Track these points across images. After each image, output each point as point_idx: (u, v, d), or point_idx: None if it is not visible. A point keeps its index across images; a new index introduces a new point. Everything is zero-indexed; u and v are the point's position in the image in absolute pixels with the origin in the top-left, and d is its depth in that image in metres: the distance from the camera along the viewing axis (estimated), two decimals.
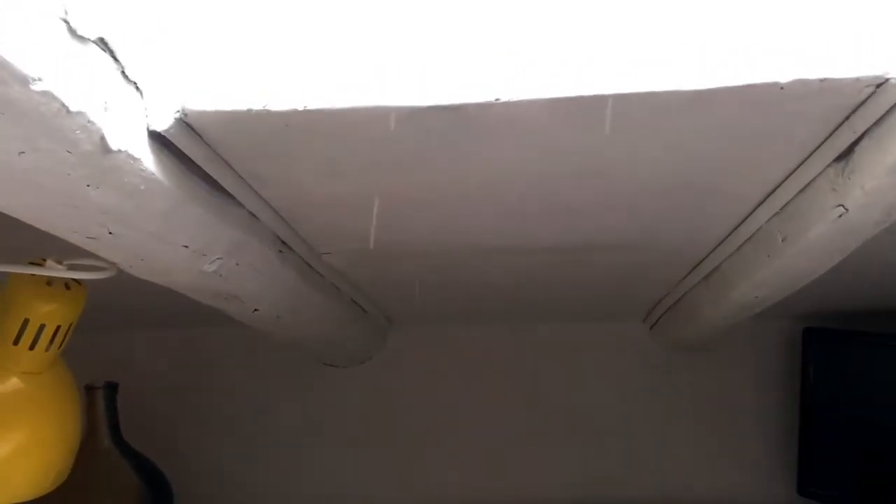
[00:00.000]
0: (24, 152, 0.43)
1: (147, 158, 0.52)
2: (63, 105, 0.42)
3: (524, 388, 1.43)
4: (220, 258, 0.69)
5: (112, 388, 1.17)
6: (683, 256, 0.96)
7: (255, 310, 0.87)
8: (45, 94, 0.41)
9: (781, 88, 0.51)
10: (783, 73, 0.50)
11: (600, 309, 1.36)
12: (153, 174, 0.53)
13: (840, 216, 0.64)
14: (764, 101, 0.52)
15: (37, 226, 0.54)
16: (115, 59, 0.48)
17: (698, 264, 0.97)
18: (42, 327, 0.68)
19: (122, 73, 0.49)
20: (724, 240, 0.85)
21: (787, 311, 1.15)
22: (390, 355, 1.42)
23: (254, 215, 0.71)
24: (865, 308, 1.28)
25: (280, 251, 0.81)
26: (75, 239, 0.56)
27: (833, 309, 1.30)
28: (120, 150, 0.48)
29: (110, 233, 0.55)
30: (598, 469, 1.40)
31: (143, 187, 0.53)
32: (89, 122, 0.45)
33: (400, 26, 0.52)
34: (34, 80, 0.39)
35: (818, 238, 0.69)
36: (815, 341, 1.32)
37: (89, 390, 1.13)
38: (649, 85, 0.51)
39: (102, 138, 0.46)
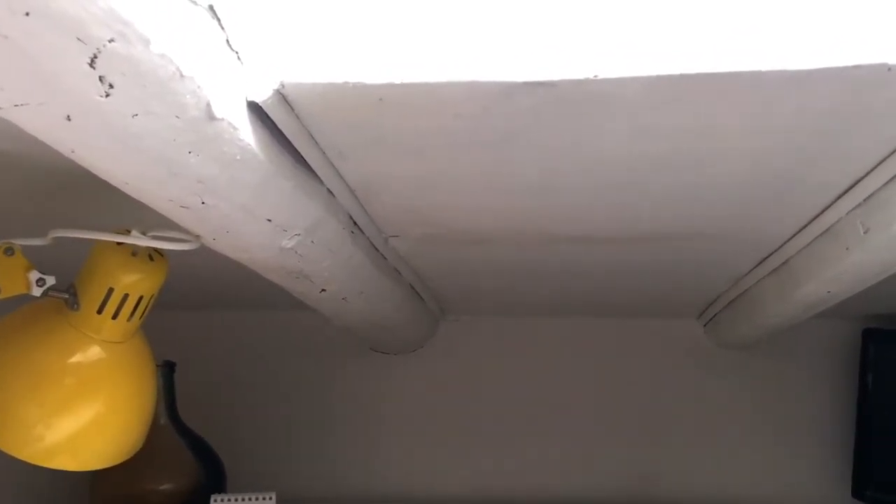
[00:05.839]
0: (137, 115, 0.44)
1: (245, 129, 0.52)
2: (178, 69, 0.43)
3: (574, 383, 1.42)
4: (299, 234, 0.69)
5: (170, 367, 1.19)
6: (752, 249, 0.94)
7: (323, 290, 0.87)
8: (163, 56, 0.41)
9: (889, 70, 0.50)
10: (893, 54, 0.49)
11: (654, 305, 1.35)
12: (249, 145, 0.53)
13: None
14: (869, 84, 0.51)
15: (132, 193, 0.55)
16: (222, 27, 0.48)
17: (767, 257, 0.95)
18: (125, 297, 0.68)
19: (227, 41, 0.49)
20: (798, 231, 0.83)
21: (846, 310, 1.13)
22: (441, 344, 1.43)
23: (331, 193, 0.72)
24: None
25: (352, 232, 0.81)
26: (168, 207, 0.57)
27: (894, 310, 1.28)
28: (223, 119, 0.49)
29: (203, 202, 0.56)
30: (648, 467, 1.39)
31: (238, 157, 0.53)
32: (198, 87, 0.45)
33: (496, 1, 0.52)
34: (154, 41, 0.40)
35: None
36: (875, 342, 1.29)
37: None
38: (752, 64, 0.50)
39: (209, 105, 0.47)
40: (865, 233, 0.72)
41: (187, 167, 0.51)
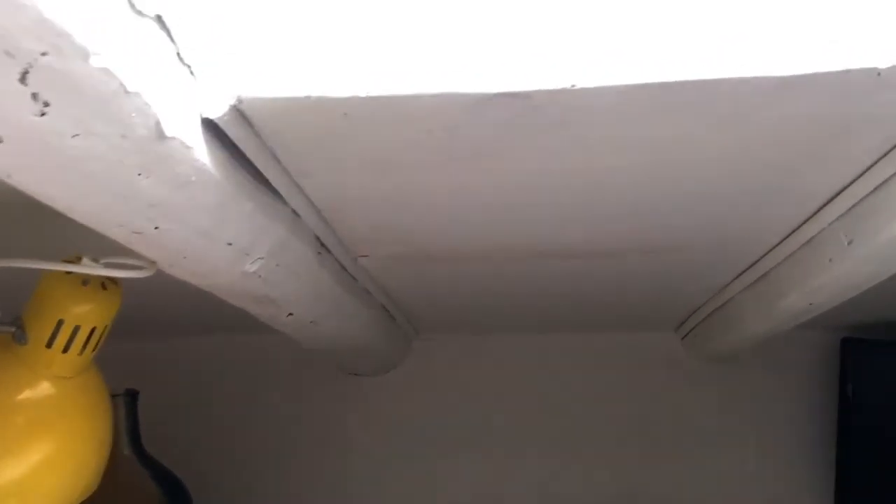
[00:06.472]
0: (77, 135, 0.40)
1: (199, 148, 0.49)
2: (121, 84, 0.39)
3: (552, 399, 1.39)
4: (262, 258, 0.66)
5: (133, 396, 1.14)
6: (731, 260, 0.92)
7: (290, 314, 0.83)
8: (105, 71, 0.37)
9: (879, 75, 0.47)
10: (882, 58, 0.47)
11: (631, 318, 1.33)
12: (205, 165, 0.50)
13: None
14: (857, 89, 0.49)
15: (78, 219, 0.51)
16: (171, 39, 0.44)
17: (746, 269, 0.93)
18: (77, 329, 0.64)
19: (178, 54, 0.45)
20: (780, 243, 0.81)
21: (825, 320, 1.11)
22: (415, 364, 1.39)
23: (296, 213, 0.68)
24: None
25: (318, 253, 0.78)
26: (118, 233, 0.53)
27: (874, 319, 1.26)
28: (174, 137, 0.45)
29: (156, 227, 0.52)
30: (628, 482, 1.36)
31: (194, 178, 0.50)
32: (146, 104, 0.42)
33: (466, 9, 0.49)
34: (94, 54, 0.36)
35: (891, 239, 0.65)
36: (854, 352, 1.28)
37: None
38: (735, 70, 0.48)
39: (158, 123, 0.43)
40: (849, 244, 0.70)
41: (137, 190, 0.47)
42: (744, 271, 0.94)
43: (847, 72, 0.47)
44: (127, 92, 0.40)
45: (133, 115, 0.41)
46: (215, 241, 0.59)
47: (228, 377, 1.39)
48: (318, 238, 0.76)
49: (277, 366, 1.37)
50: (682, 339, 1.35)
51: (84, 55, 0.36)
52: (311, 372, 1.37)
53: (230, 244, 0.60)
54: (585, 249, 0.87)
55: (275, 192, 0.63)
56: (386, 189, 0.67)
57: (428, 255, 0.88)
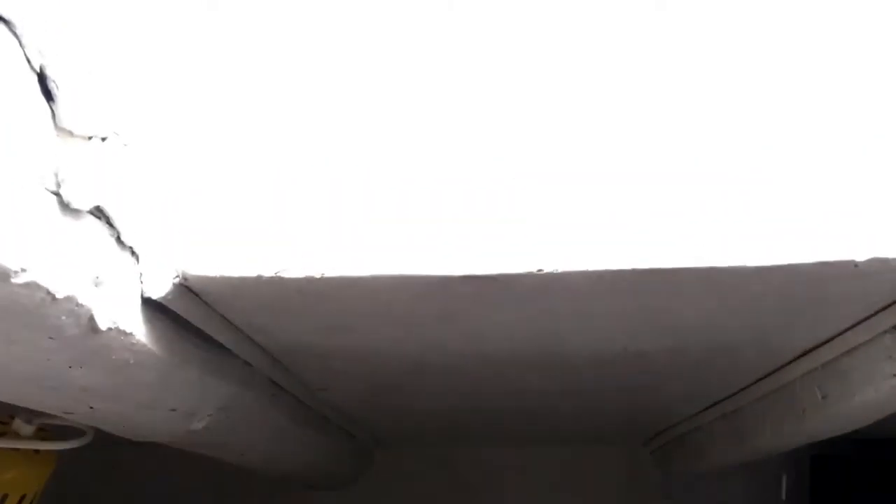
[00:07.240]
0: None
1: (139, 331, 0.45)
2: (49, 293, 0.36)
3: None
4: (211, 414, 0.62)
5: None
6: (705, 393, 0.90)
7: (243, 454, 0.79)
8: (29, 285, 0.34)
9: (856, 266, 0.46)
10: (860, 251, 0.45)
11: (600, 433, 1.29)
12: (145, 346, 0.46)
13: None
14: (834, 277, 0.47)
15: (7, 401, 0.47)
16: (111, 226, 0.41)
17: (720, 401, 0.91)
18: (5, 497, 0.59)
19: (118, 238, 0.42)
20: (752, 384, 0.79)
21: None
22: (377, 477, 1.33)
23: (248, 364, 0.64)
24: (879, 435, 1.22)
25: (273, 395, 0.73)
26: (52, 411, 0.49)
27: (844, 436, 1.24)
28: (110, 329, 0.42)
29: (91, 408, 0.48)
30: None
31: (132, 361, 0.46)
32: (77, 305, 0.38)
33: (436, 193, 0.47)
34: (16, 272, 0.33)
35: (866, 402, 0.63)
36: (823, 468, 1.26)
37: None
38: (710, 259, 0.45)
39: (91, 318, 0.40)
40: (823, 398, 0.68)
41: (68, 381, 0.43)
42: (717, 402, 0.92)
43: (825, 263, 0.45)
44: (55, 300, 0.36)
45: (63, 317, 0.38)
46: (157, 410, 0.54)
47: (184, 494, 1.33)
48: (272, 380, 0.72)
49: (233, 481, 1.30)
50: (651, 453, 1.32)
51: (5, 276, 0.33)
52: (271, 488, 1.30)
53: (174, 410, 0.56)
54: (555, 390, 0.83)
55: (225, 349, 0.59)
56: (346, 344, 0.63)
57: (390, 386, 0.84)
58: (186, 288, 0.47)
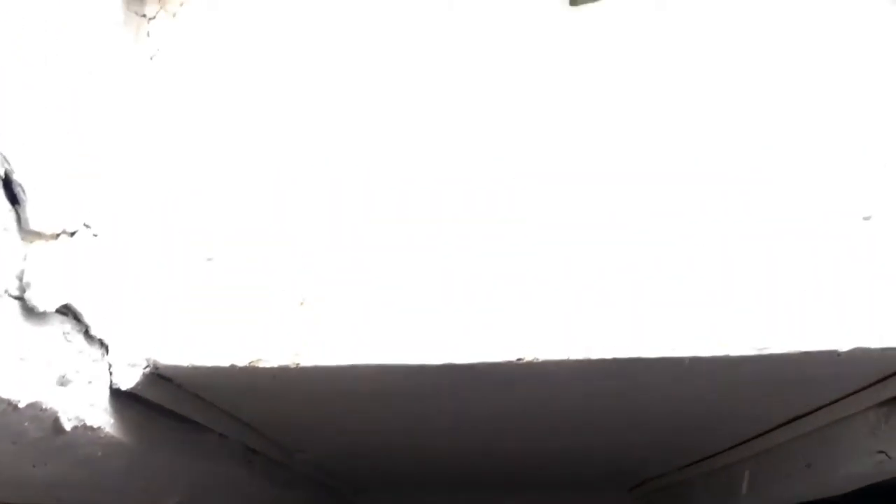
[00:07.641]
0: None
1: (107, 423, 0.44)
2: (10, 403, 0.34)
3: None
4: (184, 490, 0.60)
5: None
6: (689, 450, 0.89)
7: None
8: None
9: (839, 355, 0.45)
10: (842, 340, 0.45)
11: (583, 479, 1.28)
12: (113, 437, 0.45)
13: (881, 462, 0.58)
14: (817, 365, 0.47)
15: None
16: (79, 321, 0.40)
17: (704, 459, 0.90)
18: None
19: (86, 332, 0.41)
20: (736, 445, 0.79)
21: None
22: None
23: (224, 436, 0.63)
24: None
25: (249, 461, 0.72)
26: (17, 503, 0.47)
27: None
28: (76, 427, 0.40)
29: (59, 499, 0.47)
30: None
31: (100, 454, 0.45)
32: (42, 410, 0.37)
33: (416, 285, 0.46)
34: None
35: (850, 475, 0.63)
36: None
37: None
38: (686, 349, 0.45)
39: (56, 420, 0.38)
40: (807, 467, 0.68)
41: (32, 478, 0.42)
42: (701, 460, 0.91)
43: (807, 353, 0.45)
44: (18, 409, 0.35)
45: (25, 423, 0.37)
46: (127, 493, 0.53)
47: None
48: (248, 447, 0.71)
49: None
50: (636, 501, 1.31)
51: None
52: None
53: (145, 491, 0.55)
54: (540, 449, 0.83)
55: (199, 424, 0.58)
56: (323, 415, 0.62)
57: (368, 446, 0.83)
58: (158, 375, 0.46)
